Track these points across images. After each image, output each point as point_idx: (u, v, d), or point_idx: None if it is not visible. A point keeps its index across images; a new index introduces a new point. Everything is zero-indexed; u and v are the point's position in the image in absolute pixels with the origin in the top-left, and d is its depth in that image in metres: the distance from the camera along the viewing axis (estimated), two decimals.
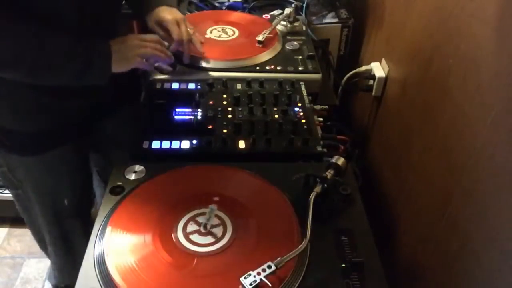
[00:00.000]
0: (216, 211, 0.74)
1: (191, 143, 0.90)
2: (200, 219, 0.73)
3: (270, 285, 0.62)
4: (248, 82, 1.08)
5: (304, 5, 1.44)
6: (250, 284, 0.60)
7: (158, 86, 1.06)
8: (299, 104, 1.02)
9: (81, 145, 1.08)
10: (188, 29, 1.08)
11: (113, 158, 0.88)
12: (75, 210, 1.13)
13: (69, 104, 0.98)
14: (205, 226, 0.72)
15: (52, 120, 0.98)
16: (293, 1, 1.46)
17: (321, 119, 1.03)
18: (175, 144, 0.90)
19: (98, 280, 0.65)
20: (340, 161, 0.79)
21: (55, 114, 0.97)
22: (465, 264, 0.78)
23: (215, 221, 0.73)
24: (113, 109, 1.08)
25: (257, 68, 1.14)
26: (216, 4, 1.52)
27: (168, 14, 1.06)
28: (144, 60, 0.96)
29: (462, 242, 0.79)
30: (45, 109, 0.96)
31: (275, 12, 1.44)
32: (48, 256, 1.30)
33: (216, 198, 0.77)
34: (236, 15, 1.38)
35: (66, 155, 1.04)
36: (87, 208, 1.21)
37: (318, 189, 0.75)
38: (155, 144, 0.89)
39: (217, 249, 0.69)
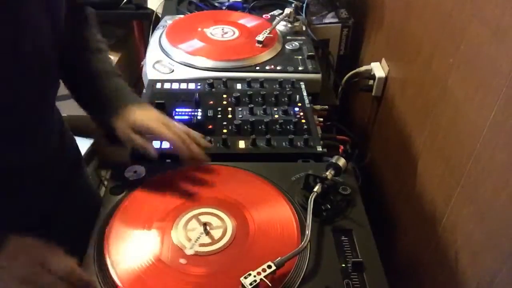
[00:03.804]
0: (216, 211, 0.74)
1: None
2: (200, 219, 0.73)
3: (270, 285, 0.62)
4: (248, 82, 1.08)
5: (304, 5, 1.44)
6: (250, 284, 0.60)
7: (158, 86, 1.06)
8: (299, 104, 1.02)
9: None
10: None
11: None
12: None
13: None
14: (205, 226, 0.72)
15: None
16: (293, 1, 1.46)
17: (321, 119, 1.03)
18: None
19: (98, 280, 0.65)
20: (340, 161, 0.79)
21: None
22: (465, 264, 0.78)
23: (215, 221, 0.73)
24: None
25: (257, 68, 1.14)
26: (216, 4, 1.52)
27: (146, 118, 0.79)
28: None
29: (462, 242, 0.80)
30: None
31: (275, 12, 1.45)
32: None
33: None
34: (236, 15, 1.38)
35: None
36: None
37: (318, 189, 0.75)
38: (155, 144, 0.89)
39: (217, 249, 0.69)
